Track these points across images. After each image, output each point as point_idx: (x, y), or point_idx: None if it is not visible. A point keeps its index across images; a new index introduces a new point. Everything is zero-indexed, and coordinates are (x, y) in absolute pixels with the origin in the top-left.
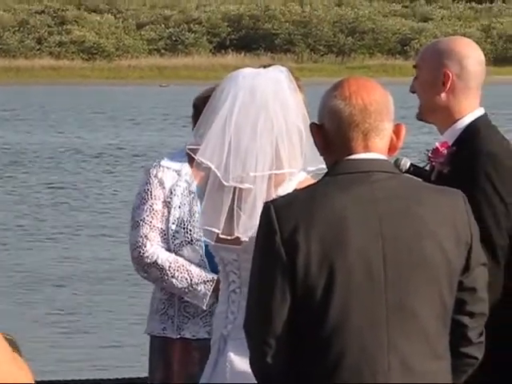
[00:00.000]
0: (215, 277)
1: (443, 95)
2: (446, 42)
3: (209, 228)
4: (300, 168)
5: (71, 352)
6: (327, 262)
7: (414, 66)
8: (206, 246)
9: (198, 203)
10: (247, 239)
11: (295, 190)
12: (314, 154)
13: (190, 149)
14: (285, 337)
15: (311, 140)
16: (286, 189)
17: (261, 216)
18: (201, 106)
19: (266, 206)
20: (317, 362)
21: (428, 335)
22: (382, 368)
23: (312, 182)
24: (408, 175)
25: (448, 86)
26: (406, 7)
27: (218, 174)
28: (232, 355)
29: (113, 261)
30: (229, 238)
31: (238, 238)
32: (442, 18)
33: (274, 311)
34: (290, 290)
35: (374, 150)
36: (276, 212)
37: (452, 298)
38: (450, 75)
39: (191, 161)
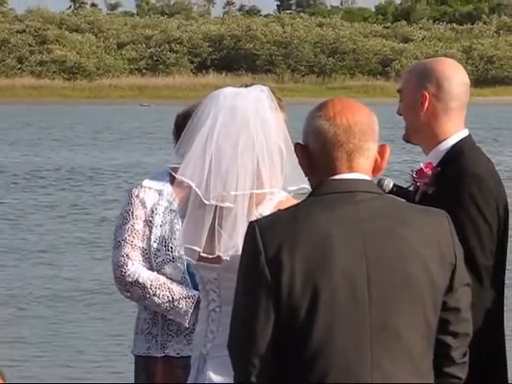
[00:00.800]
0: (196, 294)
1: (423, 116)
2: (425, 62)
3: (190, 246)
4: (280, 187)
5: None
6: (311, 282)
7: (398, 91)
8: (188, 263)
9: (180, 222)
10: (228, 258)
11: (279, 210)
12: (295, 174)
13: (171, 167)
14: (269, 357)
15: (292, 159)
16: (266, 208)
17: (245, 236)
18: (181, 123)
19: (251, 226)
20: (301, 382)
21: (412, 355)
22: None
23: (293, 201)
24: (392, 196)
25: (425, 106)
26: (387, 28)
27: (199, 193)
28: (211, 374)
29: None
30: (210, 256)
31: (218, 257)
32: (422, 39)
33: (258, 331)
34: (274, 310)
35: (358, 171)
36: (260, 232)
37: (436, 317)
38: (427, 96)
39: (173, 180)
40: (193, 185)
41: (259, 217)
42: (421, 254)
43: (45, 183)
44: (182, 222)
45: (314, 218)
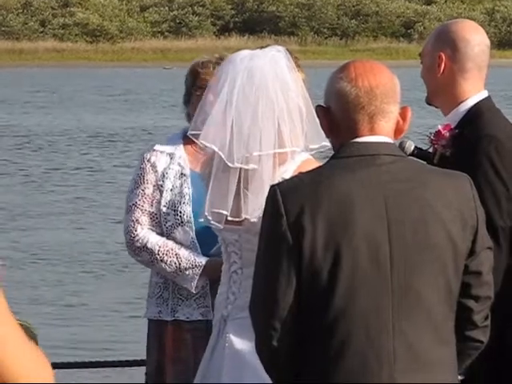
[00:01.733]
0: (203, 261)
1: (440, 77)
2: (443, 25)
3: (217, 210)
4: (302, 146)
5: (75, 333)
6: (333, 245)
7: (419, 54)
8: (198, 227)
9: (190, 186)
10: (256, 220)
11: (300, 173)
12: (315, 133)
13: (192, 134)
14: (290, 320)
15: (312, 118)
16: (288, 168)
17: (267, 199)
18: (188, 83)
19: (272, 190)
20: (322, 347)
21: (434, 319)
22: (387, 353)
23: (315, 162)
24: (413, 158)
25: (442, 68)
26: None
27: (223, 156)
28: (231, 336)
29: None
30: (236, 219)
31: (243, 220)
32: (445, 1)
33: (280, 294)
34: (295, 274)
35: (380, 133)
36: (282, 195)
37: (458, 281)
38: (443, 57)
39: (186, 144)
40: (216, 149)
41: (282, 176)
42: (442, 217)
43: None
44: (206, 187)
45: (336, 180)
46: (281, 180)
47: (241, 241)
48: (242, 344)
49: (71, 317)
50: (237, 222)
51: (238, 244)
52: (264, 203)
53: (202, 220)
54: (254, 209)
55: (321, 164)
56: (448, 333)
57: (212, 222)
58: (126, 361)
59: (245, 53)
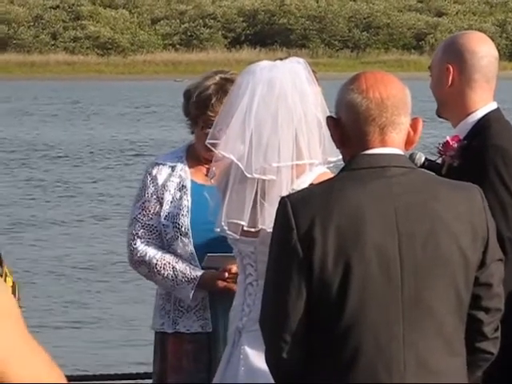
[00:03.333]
0: (199, 274)
1: (448, 89)
2: (451, 37)
3: (234, 221)
4: (320, 158)
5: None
6: (343, 258)
7: (429, 67)
8: (196, 239)
9: (190, 198)
10: (272, 230)
11: (311, 185)
12: (333, 145)
13: (210, 143)
14: (300, 333)
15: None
16: (305, 180)
17: (277, 211)
18: (184, 101)
19: (283, 202)
20: (332, 358)
21: (444, 331)
22: (397, 365)
23: (331, 176)
24: (423, 170)
25: (450, 79)
26: (421, 2)
27: (241, 167)
28: (246, 348)
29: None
30: (252, 230)
31: (258, 231)
32: (457, 13)
33: (290, 307)
34: (305, 286)
35: (391, 145)
36: (293, 208)
37: (468, 293)
38: (451, 69)
39: (189, 156)
40: (235, 159)
41: (300, 188)
42: (453, 229)
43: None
44: (223, 198)
45: (346, 193)
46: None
47: (256, 253)
48: (257, 356)
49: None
50: (253, 232)
51: (254, 256)
52: None
53: (217, 229)
54: (271, 220)
55: None
56: (458, 344)
57: (228, 232)
58: (137, 373)
59: (265, 63)
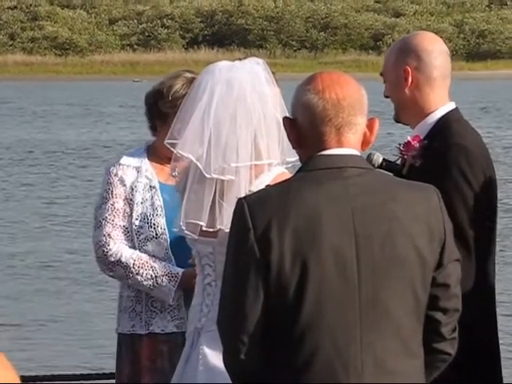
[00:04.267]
0: (180, 272)
1: (407, 91)
2: (402, 40)
3: (193, 221)
4: (279, 159)
5: (38, 348)
6: (300, 259)
7: (381, 74)
8: (171, 239)
9: (161, 198)
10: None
11: (268, 186)
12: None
13: (168, 143)
14: (258, 334)
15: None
16: (264, 180)
17: (234, 213)
18: (151, 102)
19: (240, 203)
20: (289, 360)
21: (402, 333)
22: (355, 366)
23: (289, 176)
24: (381, 170)
25: (409, 80)
26: (379, 2)
27: (200, 167)
28: (205, 348)
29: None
30: (210, 230)
31: (217, 231)
32: (414, 13)
33: (247, 308)
34: (263, 287)
35: (347, 145)
36: (250, 209)
37: (426, 294)
38: (409, 70)
39: (151, 157)
40: (193, 159)
41: (258, 188)
42: (410, 230)
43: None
44: (181, 198)
45: (303, 194)
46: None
47: (215, 253)
48: (215, 356)
49: (35, 331)
50: (211, 232)
51: (212, 257)
52: None
53: (176, 230)
54: (229, 220)
55: None
56: (416, 345)
57: (186, 232)
58: (96, 374)
59: (224, 64)
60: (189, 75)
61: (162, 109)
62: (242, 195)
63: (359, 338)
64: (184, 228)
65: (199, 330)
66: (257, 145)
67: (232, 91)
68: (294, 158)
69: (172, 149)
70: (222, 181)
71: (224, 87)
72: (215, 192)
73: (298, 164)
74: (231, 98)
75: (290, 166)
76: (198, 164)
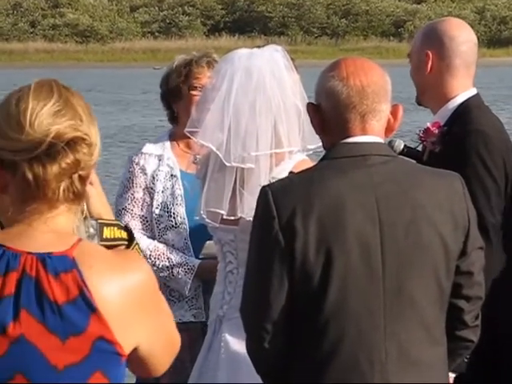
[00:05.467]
0: (196, 264)
1: (428, 76)
2: (429, 24)
3: (214, 210)
4: (299, 146)
5: None
6: (325, 247)
7: (408, 55)
8: (190, 228)
9: (181, 187)
10: (251, 218)
11: (292, 174)
12: (313, 133)
13: (188, 131)
14: (282, 322)
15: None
16: (285, 168)
17: (258, 200)
18: (163, 84)
19: (264, 191)
20: (313, 348)
21: (425, 321)
22: (378, 355)
23: (310, 163)
24: (403, 157)
25: (430, 65)
26: None
27: (220, 155)
28: (227, 336)
29: None
30: (231, 218)
31: (237, 219)
32: (435, 0)
33: (272, 296)
34: (287, 276)
35: (371, 133)
36: (274, 197)
37: (449, 282)
38: (431, 55)
39: (173, 145)
40: (213, 148)
41: (279, 177)
42: (434, 218)
43: None
44: (202, 186)
45: (327, 182)
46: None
47: (236, 241)
48: (237, 344)
49: None
50: (232, 220)
51: (234, 244)
52: None
53: (197, 218)
54: (250, 208)
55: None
56: (439, 333)
57: (207, 220)
58: None
59: (243, 51)
60: (192, 54)
61: (172, 84)
62: (263, 183)
63: (383, 327)
64: (205, 216)
65: (221, 317)
66: (277, 132)
67: (251, 79)
68: (314, 145)
69: (192, 137)
70: (242, 169)
71: (243, 75)
72: (235, 180)
73: (320, 151)
74: (250, 86)
75: (311, 153)
76: (218, 153)
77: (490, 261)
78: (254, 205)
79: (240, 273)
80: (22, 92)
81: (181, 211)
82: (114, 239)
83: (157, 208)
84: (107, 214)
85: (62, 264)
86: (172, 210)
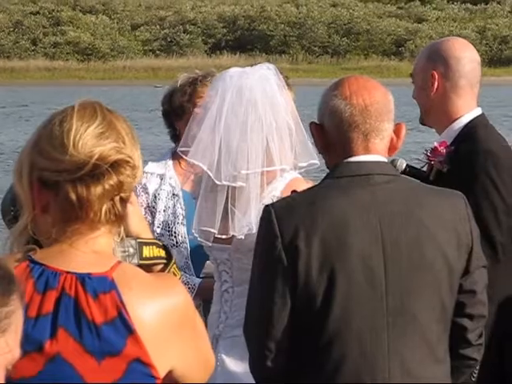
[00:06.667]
0: (197, 283)
1: (433, 96)
2: (433, 44)
3: (206, 229)
4: (291, 164)
5: None
6: (328, 266)
7: (411, 75)
8: (192, 248)
9: (183, 206)
10: (242, 237)
11: (295, 193)
12: (304, 150)
13: (181, 151)
14: (285, 341)
15: (301, 136)
16: (276, 186)
17: (261, 220)
18: (164, 102)
19: (267, 210)
20: (316, 367)
21: (429, 340)
22: (382, 374)
23: (303, 181)
24: (407, 177)
25: (436, 86)
26: (401, 8)
27: (211, 174)
28: (223, 355)
29: None
30: (223, 237)
31: (231, 238)
32: (436, 19)
33: (275, 316)
34: (290, 295)
35: (374, 152)
36: (277, 216)
37: (452, 301)
38: (436, 76)
39: (175, 164)
40: (204, 167)
41: (272, 194)
42: (437, 238)
43: None
44: (196, 203)
45: (330, 201)
46: (271, 198)
47: (231, 260)
48: (233, 362)
49: None
50: (225, 239)
51: (229, 263)
52: (251, 220)
53: (191, 237)
54: (242, 226)
55: (308, 182)
56: (442, 351)
57: (200, 239)
58: None
59: (234, 70)
60: (195, 73)
61: (176, 102)
62: (253, 202)
63: (387, 346)
64: (197, 235)
65: (217, 336)
66: (268, 151)
67: (242, 98)
68: (305, 163)
69: (184, 157)
70: (234, 188)
71: (234, 94)
72: (227, 199)
73: (311, 169)
74: (242, 105)
75: (302, 170)
76: (209, 172)
77: (499, 277)
78: (244, 223)
79: (235, 291)
80: (66, 113)
81: (182, 230)
82: (154, 258)
83: (158, 227)
84: (145, 232)
85: (101, 285)
86: (173, 229)
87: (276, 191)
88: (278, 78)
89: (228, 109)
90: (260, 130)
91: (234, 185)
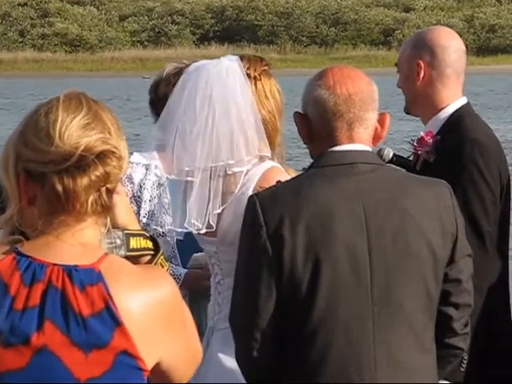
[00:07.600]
0: (182, 274)
1: (419, 85)
2: (419, 33)
3: (192, 221)
4: (255, 156)
5: None
6: (313, 255)
7: (396, 64)
8: (178, 238)
9: (169, 195)
10: (226, 230)
11: (280, 183)
12: (262, 143)
13: (157, 144)
14: (271, 331)
15: (260, 129)
16: (252, 176)
17: (246, 209)
18: (153, 96)
19: (251, 200)
20: (302, 356)
21: (414, 328)
22: (368, 363)
23: (280, 170)
24: (391, 165)
25: (421, 75)
26: None
27: (186, 169)
28: (216, 346)
29: None
30: (211, 230)
31: (215, 230)
32: (424, 8)
33: (260, 305)
34: (275, 284)
35: (359, 141)
36: (261, 205)
37: (438, 290)
38: (422, 65)
39: (161, 154)
40: (180, 162)
41: (242, 187)
42: (422, 226)
43: None
44: (183, 198)
45: (315, 191)
46: (247, 188)
47: (218, 252)
48: (225, 354)
49: None
50: (211, 232)
51: (217, 256)
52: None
53: (179, 230)
54: (222, 219)
55: (288, 170)
56: (428, 340)
57: (191, 229)
58: None
59: (198, 64)
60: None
61: (161, 90)
62: (234, 193)
63: (372, 334)
64: (186, 228)
65: (212, 328)
66: (232, 144)
67: (205, 92)
68: (269, 153)
69: (161, 151)
70: (212, 181)
71: (193, 87)
72: (209, 192)
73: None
74: (198, 98)
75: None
76: (186, 167)
77: (486, 267)
78: (226, 216)
79: (226, 283)
80: (51, 104)
81: (167, 220)
82: (141, 249)
83: (144, 217)
84: (132, 223)
85: (88, 277)
86: (159, 219)
87: (251, 182)
88: (241, 71)
89: (186, 102)
90: (223, 123)
91: (211, 178)
